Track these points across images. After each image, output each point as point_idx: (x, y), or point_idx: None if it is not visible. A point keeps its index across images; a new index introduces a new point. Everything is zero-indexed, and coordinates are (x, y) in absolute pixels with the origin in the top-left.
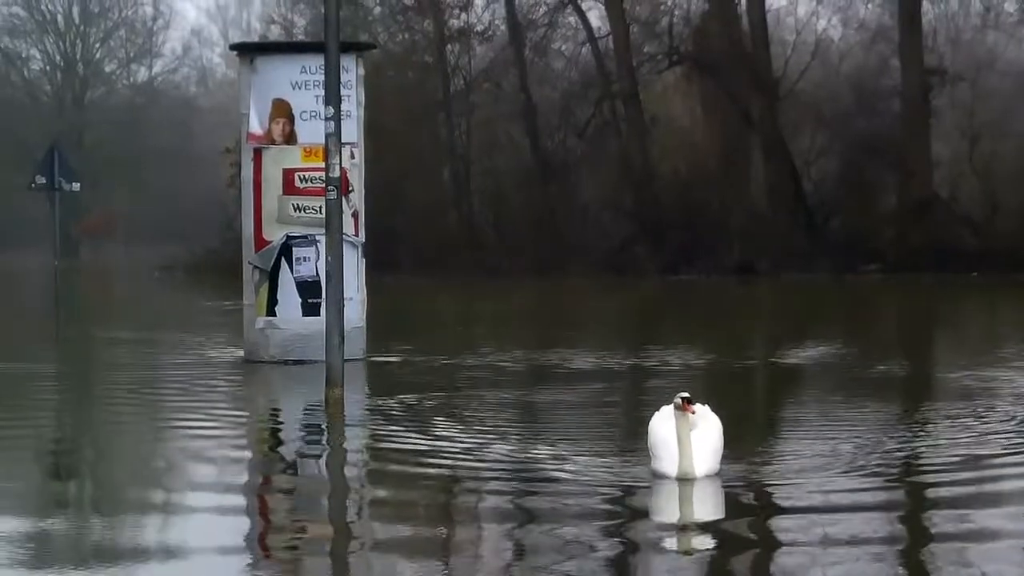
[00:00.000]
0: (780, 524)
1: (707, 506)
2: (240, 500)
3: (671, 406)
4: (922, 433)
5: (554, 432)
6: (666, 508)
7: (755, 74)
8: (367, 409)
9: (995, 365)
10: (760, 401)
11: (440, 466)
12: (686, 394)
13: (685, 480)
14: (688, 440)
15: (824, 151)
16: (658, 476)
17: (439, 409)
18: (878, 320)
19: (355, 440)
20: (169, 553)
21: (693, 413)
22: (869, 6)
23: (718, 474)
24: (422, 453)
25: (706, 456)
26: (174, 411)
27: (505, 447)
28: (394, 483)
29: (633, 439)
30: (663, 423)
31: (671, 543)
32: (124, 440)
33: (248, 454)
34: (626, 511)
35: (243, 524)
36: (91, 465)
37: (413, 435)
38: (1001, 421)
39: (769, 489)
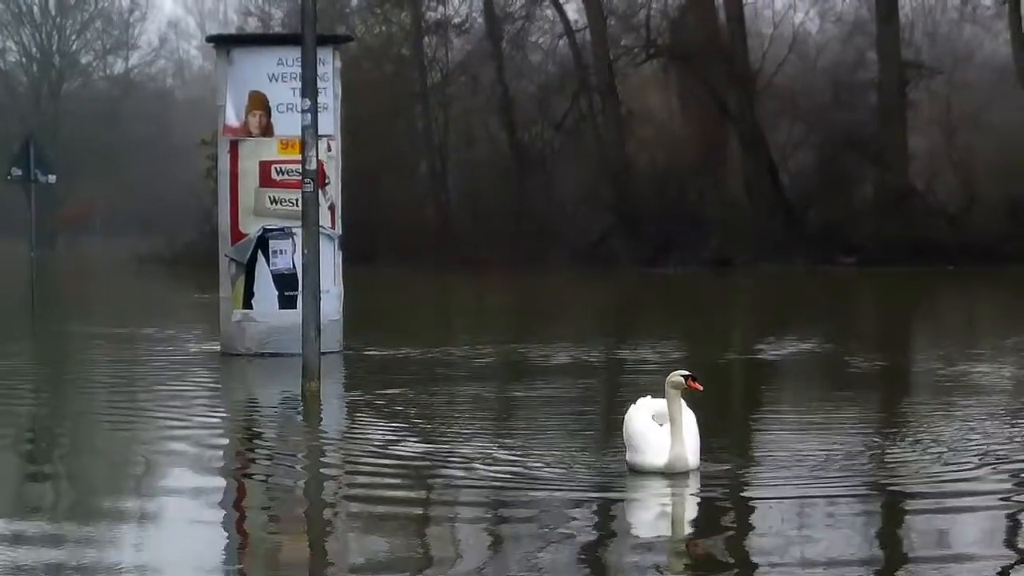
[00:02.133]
0: (757, 543)
1: (686, 512)
2: (215, 499)
3: (647, 397)
4: (902, 434)
5: (528, 429)
6: (644, 518)
7: (732, 67)
8: (344, 402)
9: (972, 360)
10: (739, 397)
11: (416, 462)
12: (687, 372)
13: (672, 471)
14: (682, 425)
15: (801, 144)
16: (636, 469)
17: (416, 403)
18: (855, 313)
19: (331, 434)
20: (141, 559)
21: (701, 390)
22: None
23: (697, 469)
24: (398, 448)
25: (693, 448)
26: (149, 406)
27: (480, 444)
28: (370, 481)
29: (609, 436)
30: (639, 414)
31: (650, 560)
32: (98, 437)
33: (222, 451)
34: (601, 518)
35: (217, 534)
36: (66, 461)
37: (390, 430)
38: (978, 420)
39: (748, 493)
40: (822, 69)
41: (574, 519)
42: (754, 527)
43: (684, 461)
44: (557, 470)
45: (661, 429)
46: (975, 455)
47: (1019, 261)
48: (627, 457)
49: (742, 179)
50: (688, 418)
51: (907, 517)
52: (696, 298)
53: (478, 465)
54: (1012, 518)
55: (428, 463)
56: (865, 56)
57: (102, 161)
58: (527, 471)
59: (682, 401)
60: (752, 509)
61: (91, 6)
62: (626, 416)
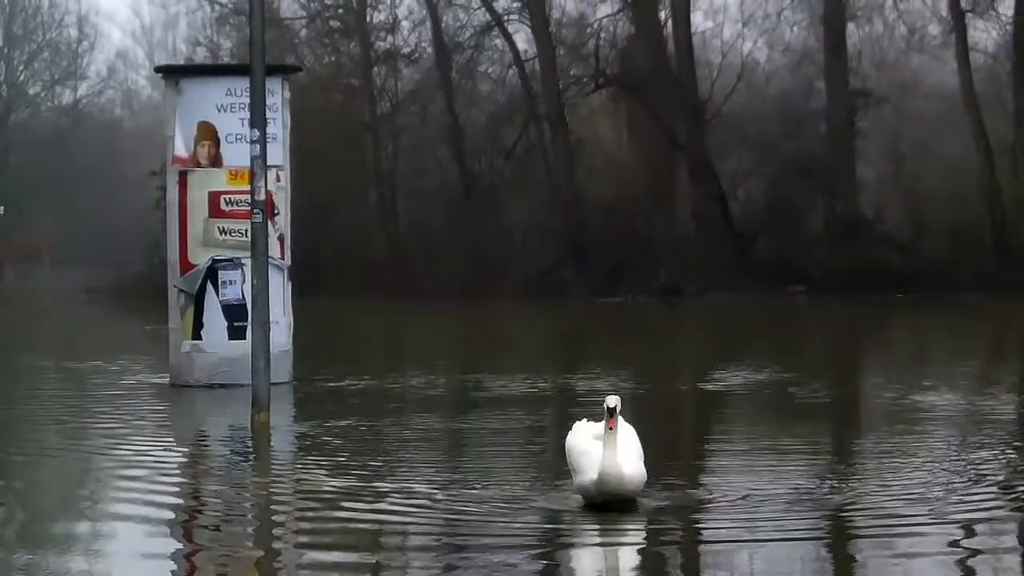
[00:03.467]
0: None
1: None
2: (164, 530)
3: (584, 420)
4: (852, 466)
5: (477, 462)
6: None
7: (681, 97)
8: (293, 434)
9: (922, 389)
10: (688, 427)
11: (364, 496)
12: (613, 404)
13: (609, 482)
14: (614, 440)
15: (750, 173)
16: (582, 494)
17: (365, 434)
18: (806, 343)
19: (280, 466)
20: None
21: (612, 429)
22: (794, 29)
23: (646, 484)
24: (347, 479)
25: (630, 456)
26: (97, 438)
27: (429, 476)
28: (320, 515)
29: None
30: (578, 436)
31: None
32: (44, 470)
33: (171, 482)
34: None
35: (166, 564)
36: (11, 494)
37: (339, 462)
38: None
39: (698, 526)
40: (771, 98)
41: (513, 565)
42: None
43: (616, 471)
44: (506, 506)
45: (599, 446)
46: (928, 492)
47: (967, 288)
48: (574, 482)
49: (691, 208)
50: (626, 431)
51: (857, 559)
52: (646, 328)
53: (427, 500)
54: (963, 564)
55: (377, 498)
56: (813, 85)
57: (51, 192)
58: (476, 509)
59: (614, 435)
60: (699, 554)
61: (39, 36)
62: (566, 443)
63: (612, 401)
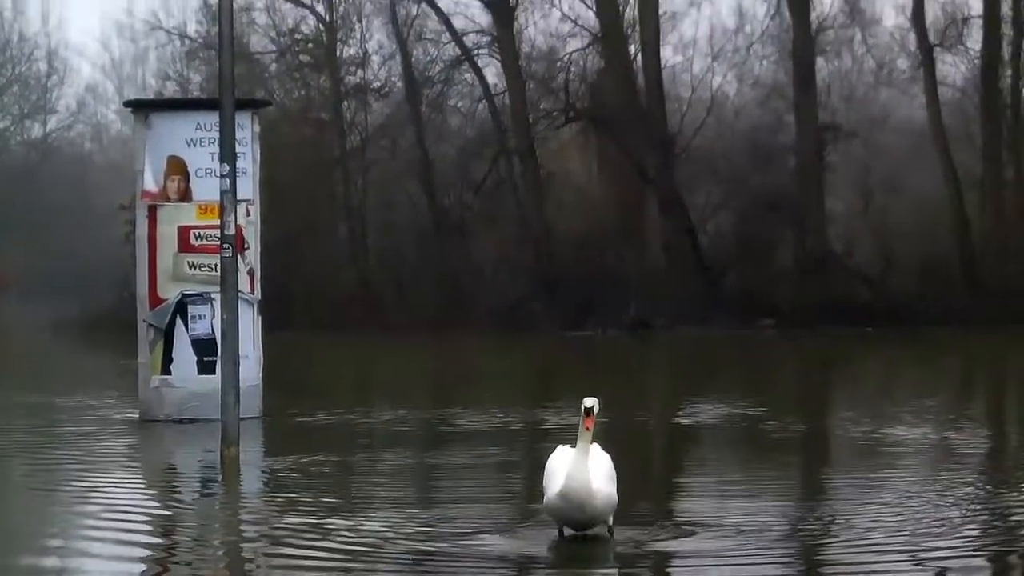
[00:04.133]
0: None
1: None
2: (133, 569)
3: (566, 445)
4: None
5: (447, 497)
6: None
7: (651, 130)
8: (262, 469)
9: (892, 422)
10: (658, 461)
11: (335, 534)
12: (590, 404)
13: (574, 490)
14: (585, 453)
15: (720, 207)
16: (551, 512)
17: (336, 468)
18: (775, 377)
19: (250, 501)
20: None
21: (588, 430)
22: (764, 63)
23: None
24: (316, 516)
25: (601, 476)
26: (67, 474)
27: (396, 516)
28: (290, 551)
29: (531, 501)
30: (555, 458)
31: None
32: (12, 506)
33: (141, 519)
34: None
35: None
36: None
37: (308, 497)
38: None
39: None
40: (740, 132)
41: None
42: None
43: (584, 480)
44: (474, 543)
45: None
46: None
47: (936, 322)
48: (543, 504)
49: (661, 242)
50: (600, 457)
51: None
52: (616, 362)
53: (395, 538)
54: None
55: (348, 534)
56: (783, 119)
57: (19, 225)
58: (449, 545)
59: (589, 436)
60: None
61: (9, 71)
62: (545, 466)
63: (589, 401)
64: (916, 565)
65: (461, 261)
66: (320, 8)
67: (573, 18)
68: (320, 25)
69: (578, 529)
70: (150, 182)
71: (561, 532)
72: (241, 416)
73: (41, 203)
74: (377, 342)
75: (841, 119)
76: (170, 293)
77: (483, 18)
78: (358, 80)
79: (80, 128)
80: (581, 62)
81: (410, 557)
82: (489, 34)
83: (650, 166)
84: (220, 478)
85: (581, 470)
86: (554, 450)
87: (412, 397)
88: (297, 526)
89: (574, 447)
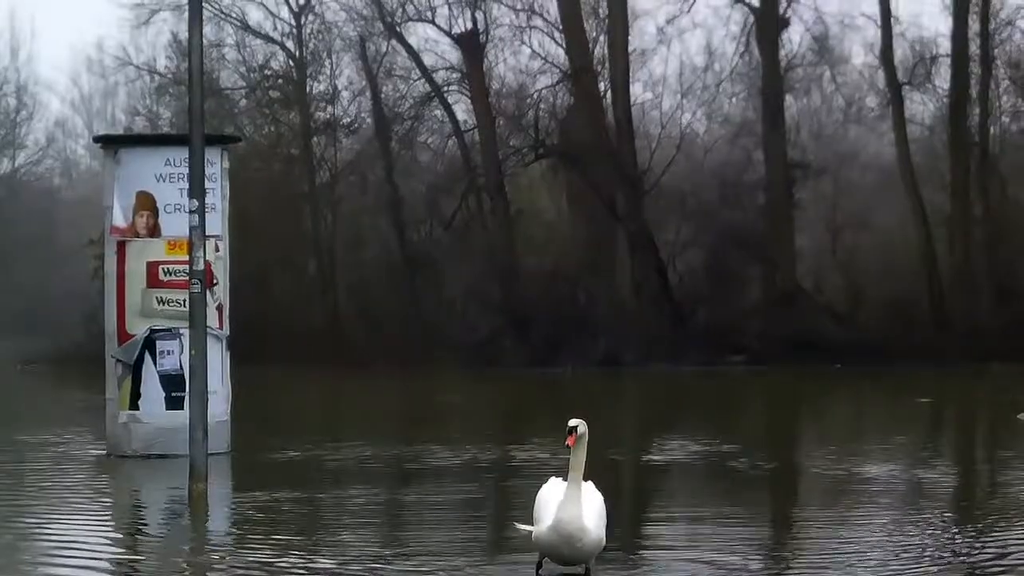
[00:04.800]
0: None
1: None
2: None
3: (557, 478)
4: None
5: (414, 538)
6: None
7: (620, 167)
8: (230, 505)
9: (861, 459)
10: (629, 498)
11: (302, 569)
12: (575, 424)
13: (566, 525)
14: (577, 491)
15: (689, 243)
16: (539, 546)
17: (302, 506)
18: (745, 414)
19: (218, 536)
20: None
21: (568, 447)
22: (733, 100)
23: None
24: (286, 559)
25: (592, 515)
26: (34, 510)
27: (367, 556)
28: None
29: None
30: (547, 489)
31: None
32: None
33: (107, 556)
34: None
35: None
36: None
37: (278, 537)
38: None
39: None
40: (709, 169)
41: None
42: None
43: (576, 516)
44: None
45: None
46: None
47: (904, 359)
48: (533, 536)
49: (631, 279)
50: (593, 495)
51: None
52: (585, 398)
53: None
54: None
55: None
56: (752, 156)
57: None
58: None
59: (581, 470)
60: None
61: None
62: (536, 497)
63: (574, 422)
64: None
65: (431, 297)
66: (290, 44)
67: (543, 55)
68: (290, 61)
69: (562, 564)
70: (119, 218)
71: (538, 569)
72: (209, 452)
73: (9, 238)
74: (346, 376)
75: (810, 156)
76: (138, 328)
77: (453, 55)
78: (328, 116)
79: (49, 163)
80: (551, 99)
81: None
82: (459, 71)
83: (620, 203)
84: (188, 514)
85: (575, 505)
86: (546, 482)
87: (381, 432)
88: (261, 562)
89: (565, 480)
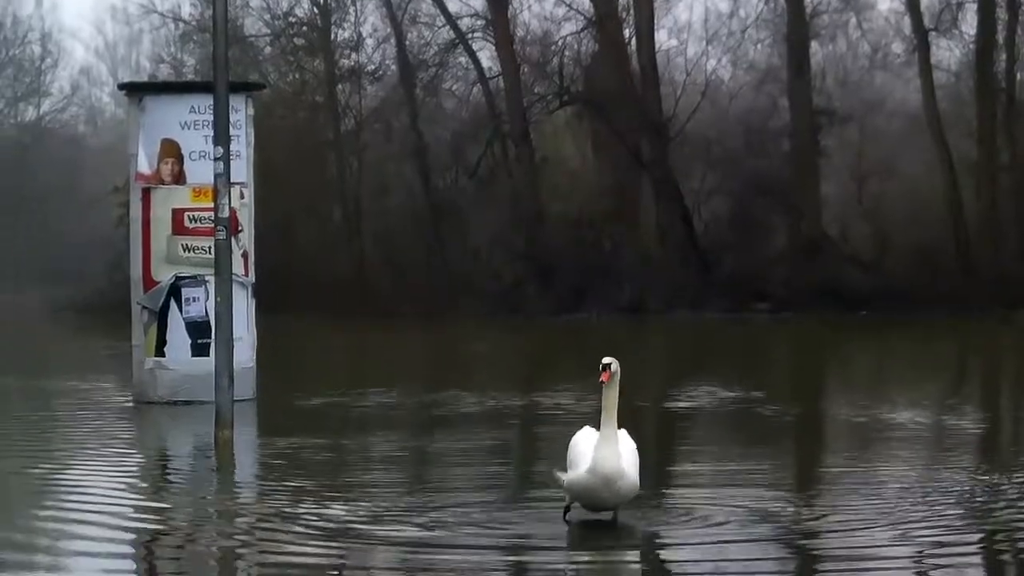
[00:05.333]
0: None
1: None
2: (126, 551)
3: (591, 427)
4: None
5: (443, 485)
6: None
7: (645, 115)
8: (256, 451)
9: (888, 406)
10: (655, 445)
11: (329, 520)
12: (608, 360)
13: (604, 467)
14: (614, 435)
15: (714, 191)
16: (573, 491)
17: (329, 454)
18: (770, 361)
19: (244, 483)
20: None
21: (602, 384)
22: (758, 47)
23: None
24: (311, 503)
25: (628, 459)
26: (61, 456)
27: (392, 501)
28: (283, 543)
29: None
30: (581, 436)
31: None
32: (7, 489)
33: (134, 503)
34: None
35: None
36: None
37: (303, 482)
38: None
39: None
40: (735, 117)
41: None
42: None
43: (614, 457)
44: (473, 530)
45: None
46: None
47: (930, 306)
48: (565, 481)
49: (655, 227)
50: (627, 442)
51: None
52: (610, 345)
53: (391, 523)
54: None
55: (341, 521)
56: (777, 103)
57: (12, 209)
58: (443, 531)
59: (615, 418)
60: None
61: (2, 54)
62: (569, 443)
63: (608, 359)
64: (909, 542)
65: (456, 245)
66: None
67: (568, 2)
68: (314, 8)
69: (597, 509)
70: (144, 165)
71: (565, 514)
72: (235, 398)
73: (34, 186)
74: (371, 324)
75: (836, 103)
76: (164, 276)
77: (477, 2)
78: (352, 63)
79: (74, 111)
80: (576, 46)
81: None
82: (484, 18)
83: (645, 150)
84: (214, 460)
85: (612, 445)
86: (575, 429)
87: (406, 380)
88: (286, 508)
89: (598, 430)
